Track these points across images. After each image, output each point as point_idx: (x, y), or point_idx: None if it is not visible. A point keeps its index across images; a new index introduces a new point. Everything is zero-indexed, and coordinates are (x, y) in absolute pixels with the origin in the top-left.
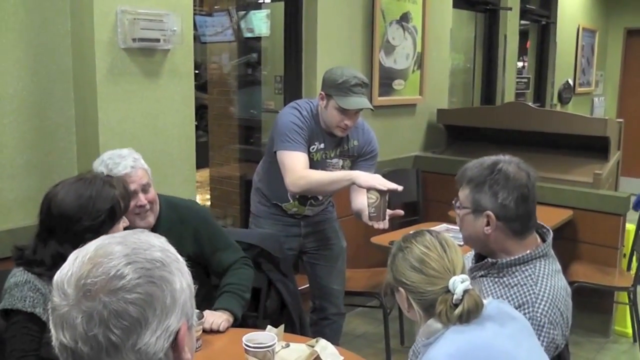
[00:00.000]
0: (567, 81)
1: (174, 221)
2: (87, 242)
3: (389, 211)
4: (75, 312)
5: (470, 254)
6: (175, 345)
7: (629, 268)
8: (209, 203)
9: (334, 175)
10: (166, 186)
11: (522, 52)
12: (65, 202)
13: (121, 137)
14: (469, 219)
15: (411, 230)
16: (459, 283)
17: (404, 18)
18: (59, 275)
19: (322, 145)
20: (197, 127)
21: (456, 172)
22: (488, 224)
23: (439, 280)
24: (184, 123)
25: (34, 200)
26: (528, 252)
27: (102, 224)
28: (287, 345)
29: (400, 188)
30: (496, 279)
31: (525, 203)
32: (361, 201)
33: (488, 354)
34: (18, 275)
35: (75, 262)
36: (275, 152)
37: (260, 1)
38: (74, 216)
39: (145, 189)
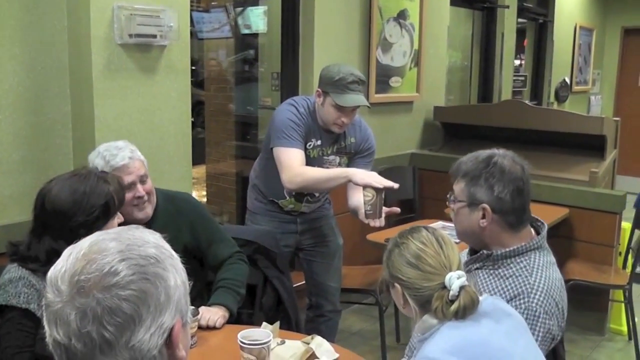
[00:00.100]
0: (564, 79)
1: (171, 213)
2: (81, 238)
3: (385, 209)
4: (68, 309)
5: (466, 251)
6: (169, 342)
7: (624, 266)
8: (205, 199)
9: (331, 173)
10: (162, 182)
11: (519, 50)
12: (59, 198)
13: (117, 133)
14: (464, 212)
15: (407, 227)
16: (455, 279)
17: (401, 15)
18: (52, 271)
19: (318, 142)
20: (194, 124)
21: None
22: (484, 217)
23: (435, 277)
24: (180, 119)
25: (29, 196)
26: (523, 244)
27: (96, 219)
28: (283, 342)
29: (396, 186)
30: (491, 271)
31: (521, 196)
32: (358, 199)
33: (484, 351)
34: (12, 271)
35: (69, 259)
36: (271, 149)
37: None
38: (68, 212)
39: (142, 180)
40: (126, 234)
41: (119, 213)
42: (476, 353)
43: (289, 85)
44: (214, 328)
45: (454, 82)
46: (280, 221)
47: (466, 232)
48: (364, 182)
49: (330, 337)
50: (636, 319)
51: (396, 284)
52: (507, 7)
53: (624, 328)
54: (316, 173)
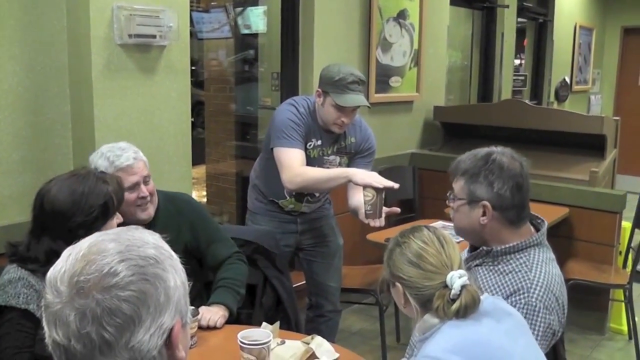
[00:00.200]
0: (564, 79)
1: (172, 213)
2: (80, 239)
3: (385, 209)
4: (68, 310)
5: (466, 250)
6: (169, 343)
7: (624, 266)
8: (205, 200)
9: (331, 173)
10: (162, 182)
11: (519, 49)
12: (58, 198)
13: (117, 133)
14: (464, 210)
15: (407, 227)
16: (457, 278)
17: (401, 15)
18: (52, 272)
19: (319, 142)
20: (194, 124)
21: None
22: (484, 214)
23: (436, 276)
24: (180, 119)
25: (29, 196)
26: (523, 240)
27: (95, 220)
28: (283, 342)
29: (396, 186)
30: (491, 267)
31: (520, 192)
32: (358, 199)
33: (484, 350)
34: (12, 271)
35: (69, 259)
36: (272, 149)
37: None
38: (67, 212)
39: (146, 180)
40: (125, 234)
41: (118, 213)
42: (477, 352)
43: (288, 85)
44: (214, 328)
45: (453, 81)
46: (281, 221)
47: (466, 230)
48: (364, 182)
49: (330, 337)
50: (636, 319)
51: (397, 283)
52: (507, 6)
53: (624, 327)
54: (316, 173)
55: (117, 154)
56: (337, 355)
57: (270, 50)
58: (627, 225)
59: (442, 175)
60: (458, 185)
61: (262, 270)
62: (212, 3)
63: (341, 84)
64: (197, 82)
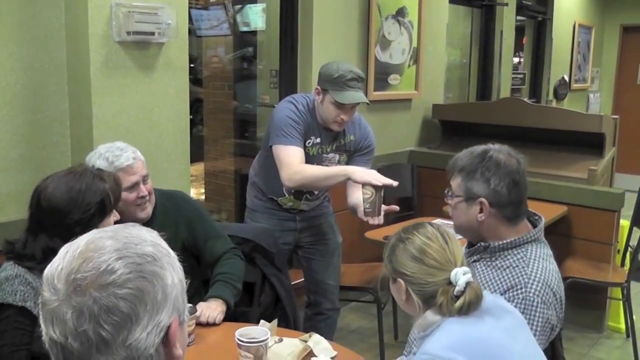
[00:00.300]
0: (563, 77)
1: (170, 210)
2: (77, 236)
3: (384, 207)
4: (65, 307)
5: (464, 247)
6: (166, 340)
7: (622, 264)
8: (203, 197)
9: (330, 171)
10: (161, 180)
11: (518, 48)
12: (55, 195)
13: (115, 131)
14: (462, 207)
15: (406, 225)
16: (462, 275)
17: (400, 13)
18: (49, 269)
19: (318, 140)
20: (192, 121)
21: None
22: (481, 210)
23: (440, 272)
24: (178, 117)
25: (27, 194)
26: (520, 236)
27: (92, 217)
28: (280, 340)
29: (395, 183)
30: (488, 262)
31: (517, 188)
32: (357, 196)
33: (484, 347)
34: (8, 269)
35: (66, 257)
36: (271, 147)
37: None
38: (63, 209)
39: (145, 180)
40: (123, 232)
41: (115, 211)
42: (476, 350)
43: (287, 82)
44: (213, 325)
45: (452, 79)
46: (280, 219)
47: (464, 227)
48: (363, 179)
49: (329, 335)
50: (634, 317)
51: (399, 279)
52: (506, 4)
53: (622, 326)
54: (315, 171)
55: (116, 154)
56: (335, 353)
57: (269, 48)
58: (625, 223)
59: (440, 173)
60: (455, 183)
61: (260, 268)
62: (211, 0)
63: (340, 82)
64: (195, 79)
